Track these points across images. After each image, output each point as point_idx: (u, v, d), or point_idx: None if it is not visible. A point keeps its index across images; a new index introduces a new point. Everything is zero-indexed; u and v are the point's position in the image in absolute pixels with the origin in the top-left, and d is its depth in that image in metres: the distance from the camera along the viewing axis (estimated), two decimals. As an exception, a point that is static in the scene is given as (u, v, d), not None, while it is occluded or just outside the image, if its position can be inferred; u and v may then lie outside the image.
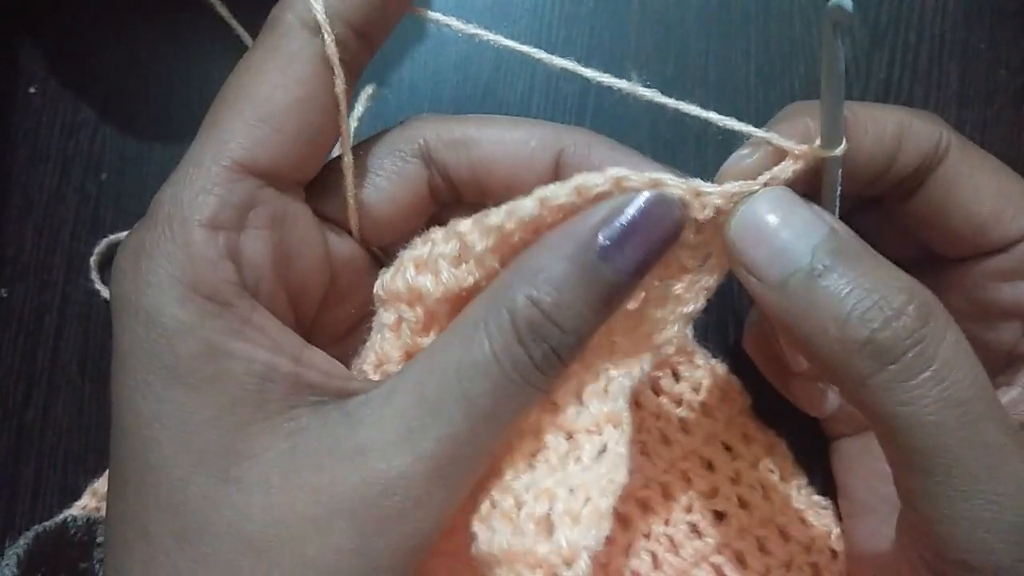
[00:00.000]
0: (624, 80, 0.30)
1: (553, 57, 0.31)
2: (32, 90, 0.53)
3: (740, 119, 0.51)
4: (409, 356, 0.31)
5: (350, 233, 0.32)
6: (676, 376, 0.45)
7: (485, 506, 0.28)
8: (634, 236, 0.28)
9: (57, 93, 0.53)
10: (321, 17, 0.28)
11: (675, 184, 0.28)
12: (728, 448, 0.44)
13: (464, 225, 0.29)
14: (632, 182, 0.28)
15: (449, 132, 0.31)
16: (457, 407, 0.26)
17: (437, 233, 0.30)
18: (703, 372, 0.44)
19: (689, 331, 0.45)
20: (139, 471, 0.26)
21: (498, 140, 0.31)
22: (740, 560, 0.42)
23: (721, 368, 0.45)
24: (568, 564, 0.26)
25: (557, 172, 0.31)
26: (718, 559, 0.42)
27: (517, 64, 0.51)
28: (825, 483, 0.44)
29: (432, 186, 0.32)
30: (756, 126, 0.52)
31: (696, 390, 0.44)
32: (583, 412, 0.29)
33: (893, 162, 0.32)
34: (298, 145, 0.28)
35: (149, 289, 0.26)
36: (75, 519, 0.37)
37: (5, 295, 0.51)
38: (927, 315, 0.27)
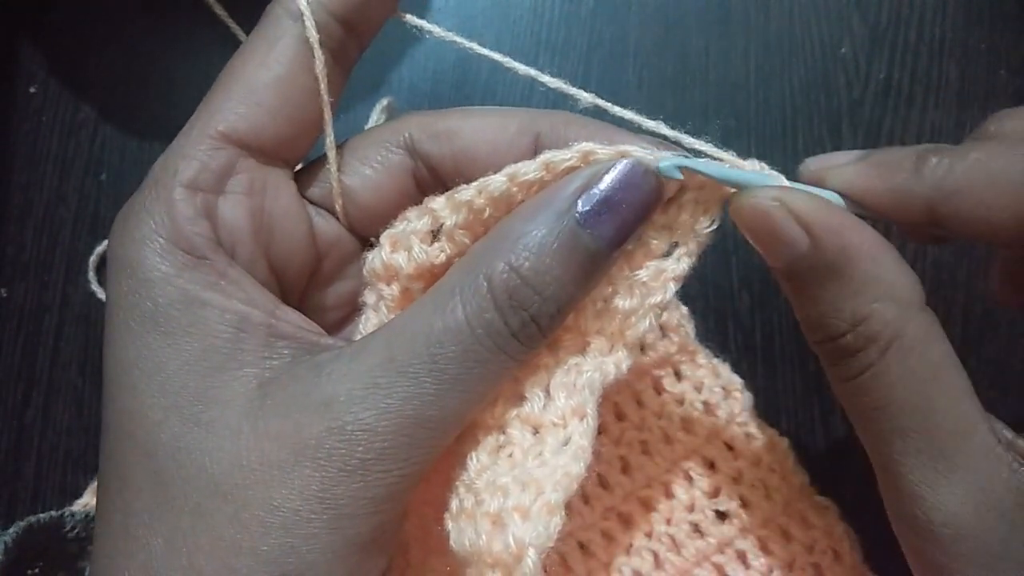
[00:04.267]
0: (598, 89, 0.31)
1: (518, 65, 0.32)
2: (32, 90, 0.53)
3: (740, 118, 0.52)
4: None
5: (336, 217, 0.33)
6: (678, 375, 0.45)
7: (454, 503, 0.28)
8: (613, 202, 0.28)
9: (57, 93, 0.53)
10: (303, 2, 0.30)
11: (643, 155, 0.28)
12: (730, 447, 0.44)
13: (436, 202, 0.30)
14: (600, 154, 0.28)
15: (432, 125, 0.32)
16: (424, 369, 0.26)
17: (412, 211, 0.31)
18: (705, 371, 0.44)
19: (691, 330, 0.45)
20: (119, 417, 0.27)
21: (478, 129, 0.32)
22: (742, 560, 0.42)
23: (723, 367, 0.45)
24: (518, 561, 0.25)
25: (536, 154, 0.31)
26: (720, 559, 0.42)
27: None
28: (826, 483, 0.44)
29: (417, 176, 0.33)
30: (755, 126, 0.53)
31: (698, 389, 0.44)
32: (550, 405, 0.29)
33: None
34: (279, 119, 0.30)
35: (133, 244, 0.28)
36: (72, 515, 0.37)
37: (5, 295, 0.51)
38: (860, 347, 0.29)
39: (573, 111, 0.32)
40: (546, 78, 0.32)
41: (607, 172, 0.28)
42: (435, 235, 0.30)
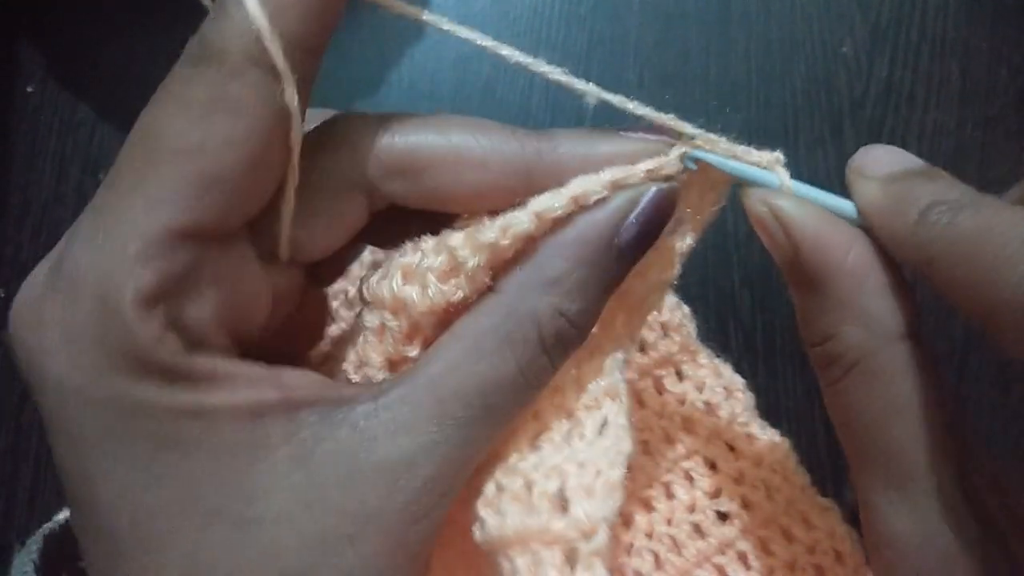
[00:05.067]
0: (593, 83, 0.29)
1: (515, 52, 0.29)
2: (30, 89, 0.53)
3: (740, 118, 0.52)
4: (391, 363, 0.30)
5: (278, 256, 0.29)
6: (679, 375, 0.44)
7: (490, 489, 0.28)
8: (647, 231, 0.28)
9: (55, 92, 0.53)
10: (280, 62, 0.24)
11: (659, 163, 0.28)
12: (731, 448, 0.44)
13: (456, 240, 0.28)
14: (628, 179, 0.28)
15: (389, 151, 0.27)
16: (479, 419, 0.26)
17: (428, 243, 0.29)
18: (706, 371, 0.44)
19: (692, 330, 0.44)
20: (141, 537, 0.25)
21: (452, 165, 0.27)
22: (743, 561, 0.42)
23: (725, 367, 0.45)
24: (587, 537, 0.26)
25: (527, 192, 0.28)
26: (721, 559, 0.42)
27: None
28: (827, 484, 0.44)
29: (373, 210, 0.29)
30: (756, 125, 0.52)
31: (699, 389, 0.44)
32: (581, 390, 0.29)
33: None
34: (246, 201, 0.26)
35: (99, 377, 0.24)
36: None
37: (3, 295, 0.51)
38: (828, 363, 0.29)
39: (581, 110, 0.30)
40: (561, 75, 0.29)
41: (640, 203, 0.28)
42: (450, 271, 0.29)
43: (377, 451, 0.26)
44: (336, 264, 0.32)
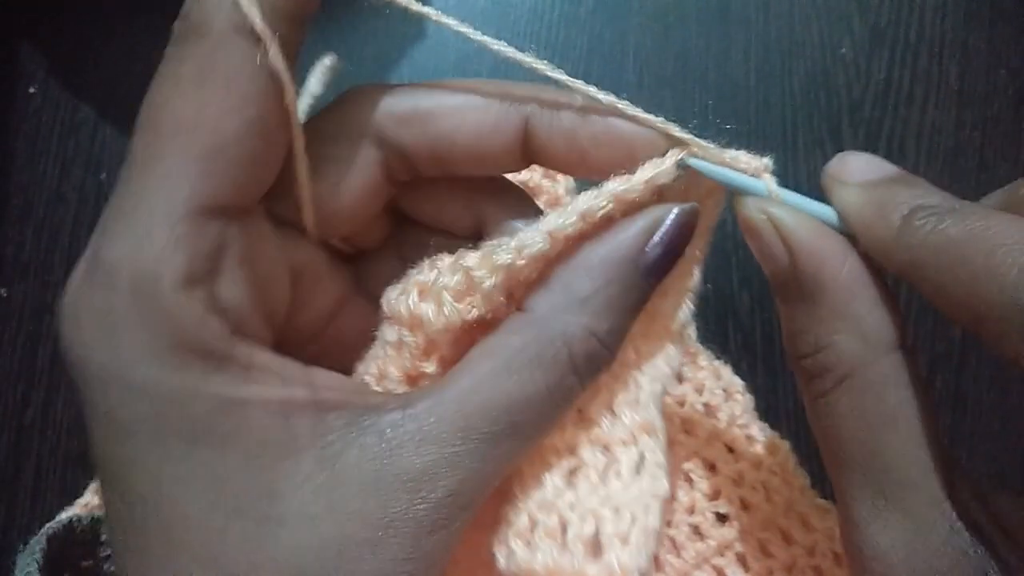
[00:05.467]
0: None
1: (512, 50, 0.29)
2: (32, 90, 0.53)
3: (740, 118, 0.52)
4: (409, 378, 0.31)
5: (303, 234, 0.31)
6: (679, 377, 0.45)
7: (522, 521, 0.28)
8: (671, 249, 0.28)
9: (56, 93, 0.53)
10: (258, 24, 0.24)
11: (662, 170, 0.28)
12: (731, 449, 0.44)
13: (471, 260, 0.28)
14: (632, 193, 0.28)
15: (398, 105, 0.29)
16: (505, 436, 0.27)
17: (444, 262, 0.29)
18: (706, 373, 0.44)
19: (692, 332, 0.45)
20: (166, 528, 0.25)
21: (455, 111, 0.29)
22: (742, 562, 0.42)
23: (724, 369, 0.45)
24: None
25: (525, 141, 0.29)
26: (720, 561, 0.42)
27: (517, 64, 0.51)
28: (827, 486, 0.44)
29: (387, 167, 0.30)
30: (754, 126, 0.53)
31: (699, 391, 0.44)
32: (616, 423, 0.29)
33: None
34: (257, 170, 0.26)
35: (140, 364, 0.24)
36: (80, 519, 0.36)
37: (5, 295, 0.51)
38: (818, 375, 0.28)
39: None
40: (561, 75, 0.29)
41: (665, 223, 0.28)
42: (466, 291, 0.29)
43: (402, 460, 0.26)
44: (382, 271, 0.32)
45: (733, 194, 0.30)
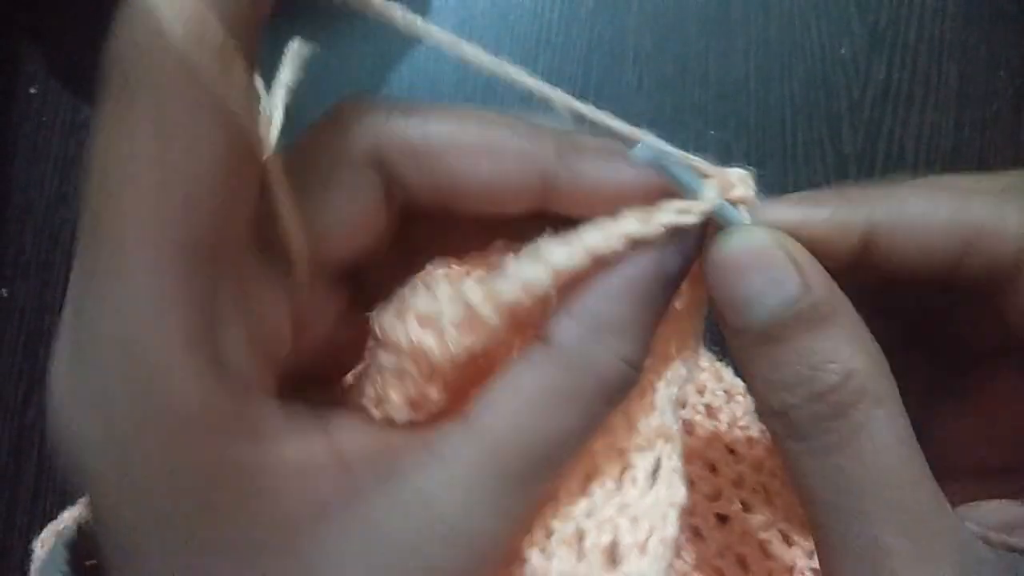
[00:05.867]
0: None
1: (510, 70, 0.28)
2: (32, 90, 0.53)
3: (740, 119, 0.52)
4: (412, 403, 0.30)
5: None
6: (680, 378, 0.45)
7: (539, 531, 0.28)
8: (688, 260, 0.27)
9: (57, 93, 0.53)
10: (210, 76, 0.21)
11: (685, 221, 0.28)
12: (732, 451, 0.44)
13: (475, 295, 0.27)
14: (643, 234, 0.27)
15: (404, 132, 0.26)
16: (544, 477, 0.26)
17: (442, 289, 0.29)
18: (707, 374, 0.44)
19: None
20: None
21: (468, 156, 0.26)
22: (743, 564, 0.42)
23: (726, 371, 0.45)
24: None
25: (542, 191, 0.27)
26: (720, 563, 0.42)
27: (516, 64, 0.51)
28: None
29: (388, 197, 0.27)
30: (756, 128, 0.53)
31: (700, 392, 0.44)
32: (632, 429, 0.29)
33: (953, 273, 0.27)
34: (236, 205, 0.23)
35: (149, 459, 0.21)
36: (88, 521, 0.36)
37: (6, 295, 0.51)
38: (848, 407, 0.26)
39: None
40: (559, 94, 0.27)
41: (678, 248, 0.27)
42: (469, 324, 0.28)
43: (438, 513, 0.24)
44: (382, 274, 0.30)
45: (718, 238, 0.29)
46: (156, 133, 0.21)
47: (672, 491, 0.28)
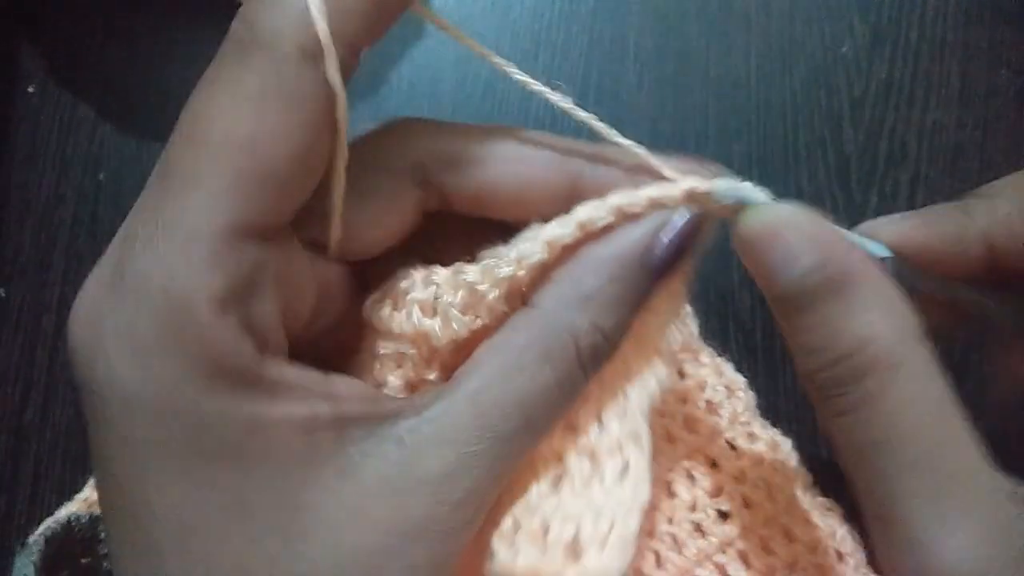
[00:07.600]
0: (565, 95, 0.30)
1: (510, 69, 0.30)
2: (30, 90, 0.53)
3: (741, 118, 0.52)
4: (411, 387, 0.31)
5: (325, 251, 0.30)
6: (681, 374, 0.44)
7: (507, 524, 0.29)
8: (676, 254, 0.29)
9: (55, 93, 0.53)
10: (328, 42, 0.24)
11: (672, 198, 0.29)
12: (732, 447, 0.44)
13: (473, 275, 0.29)
14: (635, 208, 0.28)
15: (447, 147, 0.29)
16: (518, 432, 0.27)
17: (440, 275, 0.30)
18: (708, 370, 0.44)
19: (694, 329, 0.44)
20: (187, 550, 0.24)
21: (505, 161, 0.29)
22: (744, 560, 0.42)
23: (726, 366, 0.45)
24: None
25: (569, 198, 0.29)
26: (722, 558, 0.42)
27: (516, 63, 0.51)
28: (829, 484, 0.44)
29: (424, 204, 0.30)
30: (757, 127, 0.52)
31: (701, 388, 0.44)
32: (604, 433, 0.30)
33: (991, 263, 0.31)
34: (299, 194, 0.26)
35: (172, 390, 0.23)
36: (79, 517, 0.36)
37: (3, 295, 0.51)
38: (863, 373, 0.27)
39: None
40: (558, 98, 0.30)
41: (672, 226, 0.28)
42: (470, 305, 0.30)
43: (421, 464, 0.26)
44: (386, 269, 0.32)
45: (741, 214, 0.30)
46: (262, 102, 0.24)
47: (637, 492, 0.29)
